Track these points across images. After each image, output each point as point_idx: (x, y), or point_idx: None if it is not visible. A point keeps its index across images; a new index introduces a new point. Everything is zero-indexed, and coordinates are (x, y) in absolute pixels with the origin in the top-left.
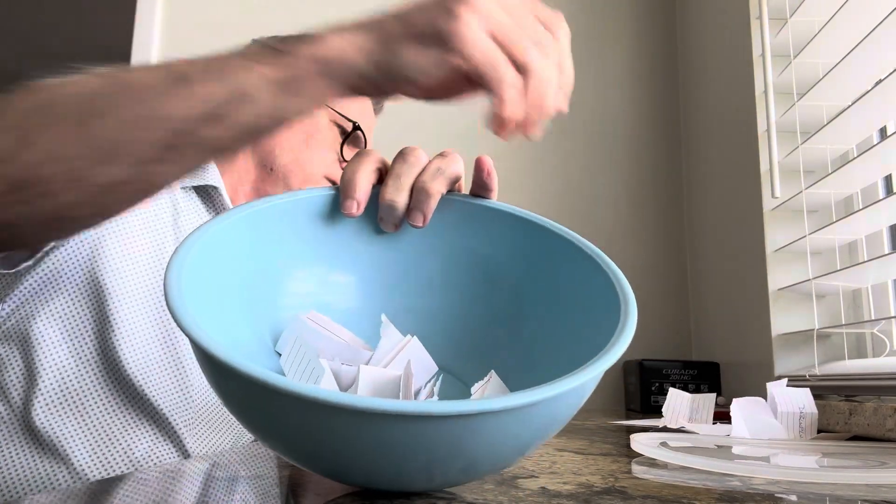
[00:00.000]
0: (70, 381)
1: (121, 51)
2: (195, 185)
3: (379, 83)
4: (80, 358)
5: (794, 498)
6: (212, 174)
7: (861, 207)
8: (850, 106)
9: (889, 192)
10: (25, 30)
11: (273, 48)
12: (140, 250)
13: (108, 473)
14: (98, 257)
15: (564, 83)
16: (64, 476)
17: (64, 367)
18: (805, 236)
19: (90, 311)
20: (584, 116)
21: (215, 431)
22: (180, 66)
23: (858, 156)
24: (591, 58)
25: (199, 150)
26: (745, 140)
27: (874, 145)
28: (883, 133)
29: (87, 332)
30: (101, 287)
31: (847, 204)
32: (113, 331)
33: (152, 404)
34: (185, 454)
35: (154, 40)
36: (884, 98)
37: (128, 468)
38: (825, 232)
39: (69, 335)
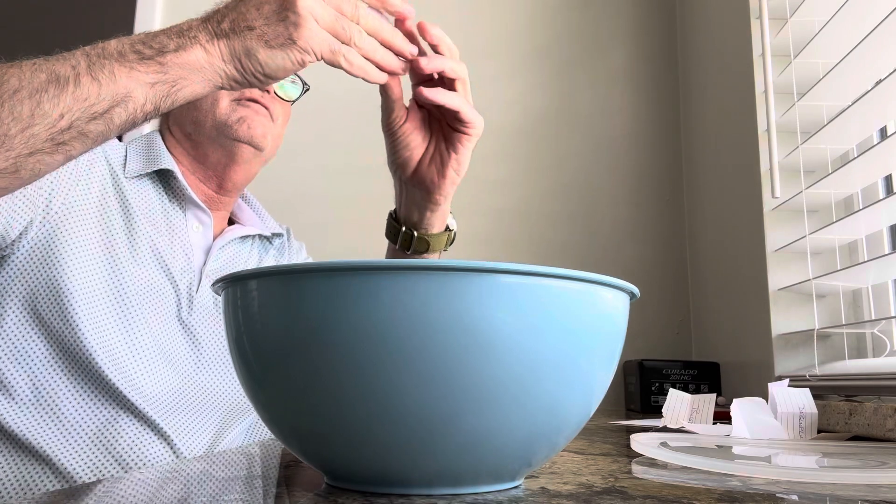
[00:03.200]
0: (40, 383)
1: None
2: (148, 171)
3: (244, 81)
4: (47, 360)
5: (794, 498)
6: (164, 158)
7: (861, 207)
8: (850, 106)
9: (889, 192)
10: (25, 30)
11: (141, 54)
12: (94, 247)
13: (94, 472)
14: (53, 259)
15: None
16: (51, 480)
17: (31, 370)
18: (805, 236)
19: (53, 313)
20: (584, 116)
21: (196, 415)
22: (72, 63)
23: (858, 156)
24: (591, 58)
25: (85, 141)
26: (745, 140)
27: (874, 145)
28: (883, 133)
29: (50, 333)
30: (59, 288)
31: (847, 204)
32: (78, 328)
33: (126, 397)
34: (170, 443)
35: None
36: (884, 98)
37: (113, 465)
38: (825, 232)
39: (31, 338)
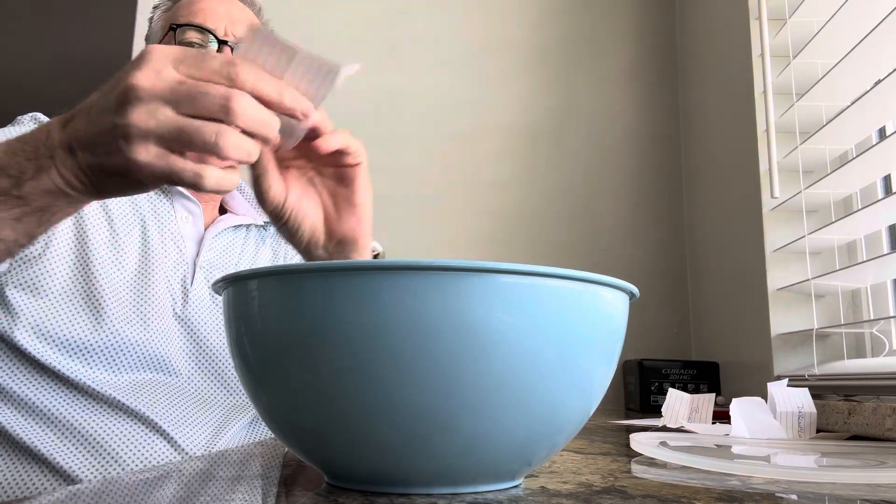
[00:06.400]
0: (31, 386)
1: (121, 53)
2: None
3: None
4: (31, 365)
5: (793, 497)
6: None
7: (860, 207)
8: (849, 106)
9: (888, 192)
10: (26, 32)
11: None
12: (64, 249)
13: (95, 473)
14: (20, 263)
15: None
16: (50, 482)
17: (21, 375)
18: (804, 236)
19: (13, 321)
20: (585, 116)
21: (196, 410)
22: None
23: (858, 156)
24: (591, 58)
25: None
26: (744, 140)
27: (873, 145)
28: (882, 133)
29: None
30: (26, 293)
31: (846, 204)
32: (39, 337)
33: (115, 398)
34: (169, 439)
35: None
36: (883, 98)
37: (112, 465)
38: (824, 232)
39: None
